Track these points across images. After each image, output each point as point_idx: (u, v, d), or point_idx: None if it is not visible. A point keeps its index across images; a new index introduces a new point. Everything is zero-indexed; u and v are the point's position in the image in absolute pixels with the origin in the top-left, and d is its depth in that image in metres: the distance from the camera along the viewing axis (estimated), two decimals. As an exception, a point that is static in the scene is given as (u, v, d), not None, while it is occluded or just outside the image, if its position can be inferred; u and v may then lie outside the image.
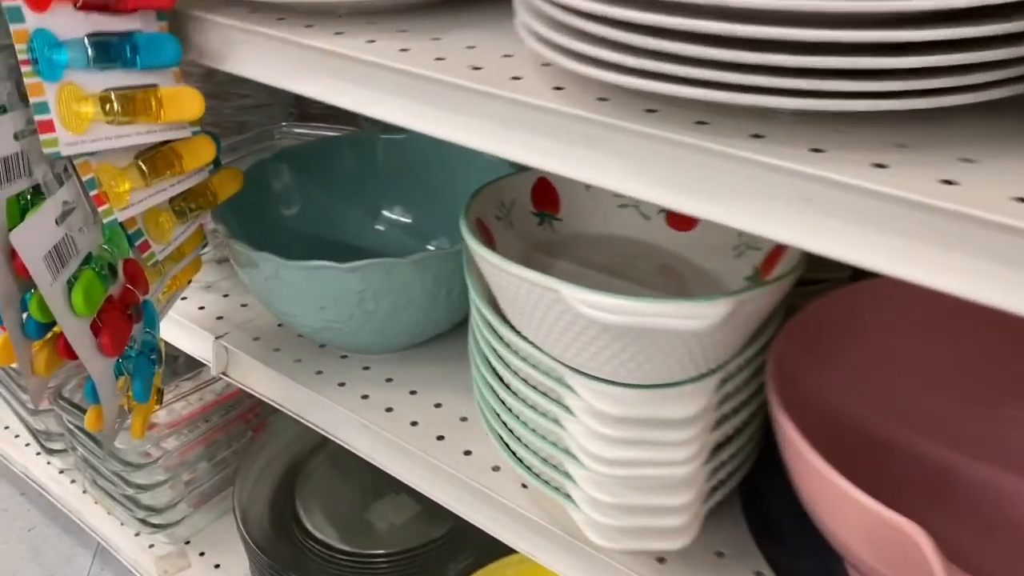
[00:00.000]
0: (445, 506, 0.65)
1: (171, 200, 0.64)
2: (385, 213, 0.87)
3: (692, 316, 0.42)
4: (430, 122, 0.47)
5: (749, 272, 0.56)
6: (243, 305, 0.82)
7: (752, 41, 0.35)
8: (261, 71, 0.55)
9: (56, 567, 1.21)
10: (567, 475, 0.53)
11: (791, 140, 0.38)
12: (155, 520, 1.00)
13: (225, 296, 0.84)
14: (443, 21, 0.53)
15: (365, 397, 0.70)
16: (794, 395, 0.50)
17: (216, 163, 0.67)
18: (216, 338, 0.78)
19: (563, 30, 0.40)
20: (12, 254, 0.54)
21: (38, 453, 1.20)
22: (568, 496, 0.53)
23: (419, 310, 0.68)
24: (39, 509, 1.29)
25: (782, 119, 0.40)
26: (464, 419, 0.68)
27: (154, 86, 0.56)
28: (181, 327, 0.81)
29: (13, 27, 0.50)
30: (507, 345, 0.53)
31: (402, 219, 0.86)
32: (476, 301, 0.55)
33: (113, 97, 0.54)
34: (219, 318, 0.81)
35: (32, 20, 0.50)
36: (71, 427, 1.01)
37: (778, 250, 0.54)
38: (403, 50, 0.49)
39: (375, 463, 0.69)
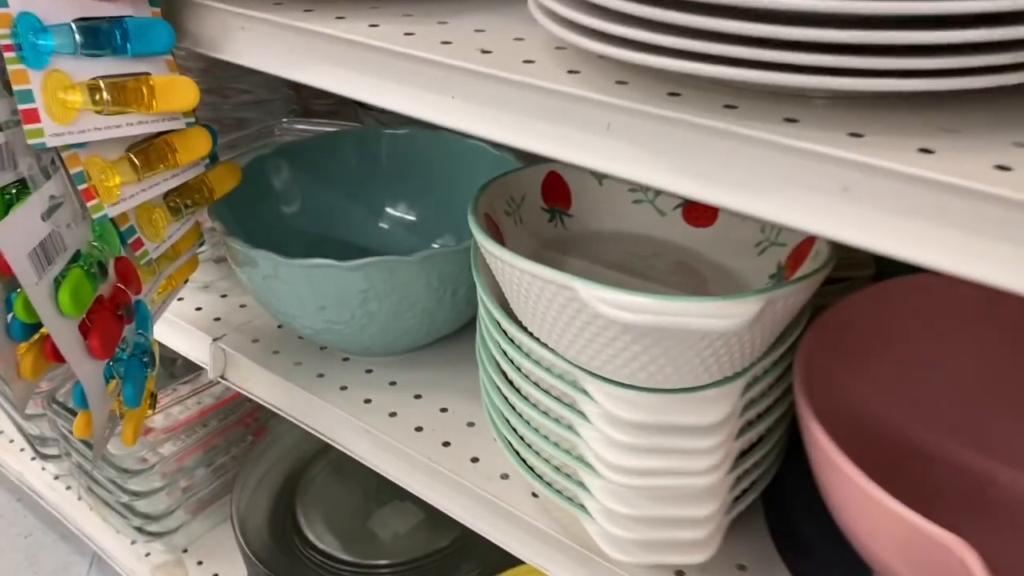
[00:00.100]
0: (451, 515, 0.62)
1: (165, 196, 0.62)
2: (389, 211, 0.84)
3: (720, 315, 0.39)
4: (437, 110, 0.45)
5: (773, 270, 0.53)
6: (242, 306, 0.80)
7: (785, 15, 0.32)
8: (259, 59, 0.53)
9: (52, 575, 1.18)
10: (581, 484, 0.50)
11: (827, 124, 0.35)
12: (151, 528, 0.97)
13: (223, 296, 0.82)
14: (450, 4, 0.51)
15: (368, 401, 0.68)
16: (821, 399, 0.48)
17: (213, 158, 0.65)
18: (214, 340, 0.75)
19: (580, 7, 0.37)
20: (-4, 251, 0.51)
21: (33, 458, 1.18)
22: (582, 507, 0.50)
23: (424, 311, 0.65)
24: (36, 515, 1.27)
25: (816, 103, 0.37)
26: (471, 424, 0.65)
27: (146, 74, 0.53)
28: (177, 328, 0.78)
29: (-4, 11, 0.47)
30: (518, 347, 0.50)
31: (406, 217, 0.84)
32: (485, 300, 0.53)
33: (102, 86, 0.51)
34: (217, 319, 0.78)
35: (16, 3, 0.48)
36: (65, 432, 0.98)
37: (805, 245, 0.51)
38: (408, 34, 0.46)
39: (378, 470, 0.66)
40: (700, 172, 0.37)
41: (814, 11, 0.32)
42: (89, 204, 0.54)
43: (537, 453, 0.53)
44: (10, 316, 0.54)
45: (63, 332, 0.53)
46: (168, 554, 1.03)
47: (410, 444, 0.63)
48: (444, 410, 0.67)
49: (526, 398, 0.51)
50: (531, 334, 0.49)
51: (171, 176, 0.59)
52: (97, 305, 0.56)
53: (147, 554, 1.02)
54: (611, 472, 0.47)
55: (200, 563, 1.02)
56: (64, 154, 0.52)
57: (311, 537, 0.88)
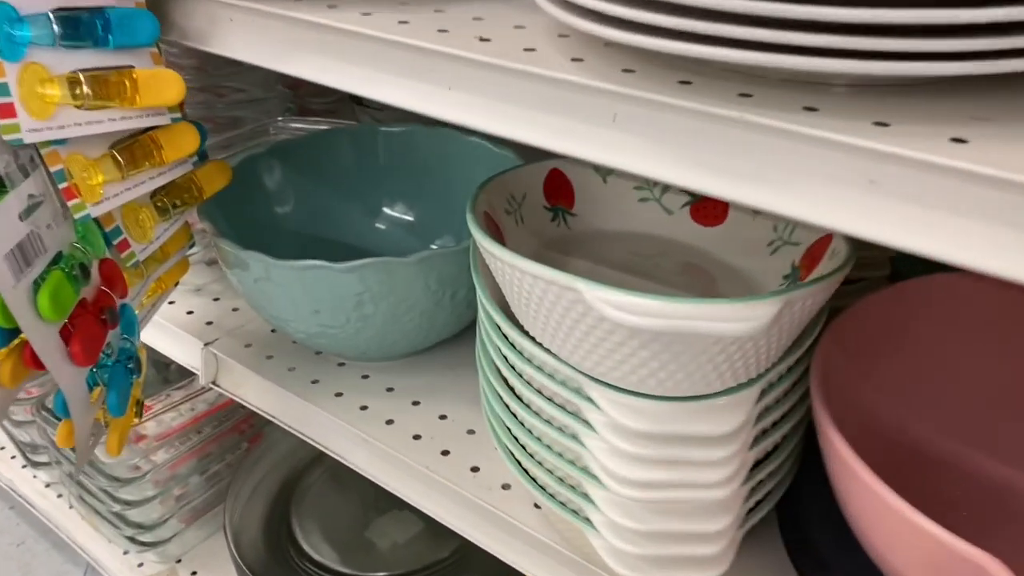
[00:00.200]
0: (450, 527, 0.60)
1: (153, 195, 0.60)
2: (385, 211, 0.82)
3: (736, 318, 0.36)
4: (433, 102, 0.43)
5: (787, 270, 0.51)
6: (234, 309, 0.78)
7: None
8: (248, 51, 0.51)
9: (45, 584, 1.16)
10: (586, 497, 0.47)
11: (850, 113, 0.33)
12: (144, 538, 0.95)
13: (216, 300, 0.79)
14: (447, -9, 0.49)
15: (364, 408, 0.65)
16: (837, 403, 0.45)
17: (202, 156, 0.62)
18: (205, 345, 0.73)
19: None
20: (-29, 253, 0.49)
21: (24, 466, 1.16)
22: (587, 520, 0.48)
23: (422, 314, 0.63)
24: (29, 524, 1.25)
25: (836, 90, 0.35)
26: (471, 432, 0.63)
27: (129, 67, 0.51)
28: (168, 333, 0.76)
29: (-32, -1, 0.45)
30: (519, 352, 0.48)
31: (404, 217, 0.81)
32: (484, 303, 0.50)
33: (82, 79, 0.49)
34: (209, 323, 0.76)
35: (-10, -8, 0.45)
36: (54, 439, 0.96)
37: (821, 244, 0.48)
38: (403, 22, 0.45)
39: (374, 480, 0.64)
40: (713, 165, 0.34)
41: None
42: (70, 203, 0.51)
43: (540, 463, 0.50)
44: (-12, 321, 0.51)
45: (43, 337, 0.50)
46: (161, 564, 1.00)
47: (408, 453, 0.61)
48: (443, 417, 0.65)
49: (528, 406, 0.49)
50: (533, 338, 0.47)
51: (157, 174, 0.57)
52: (80, 309, 0.53)
53: (140, 564, 1.00)
54: (617, 484, 0.44)
55: (194, 573, 1.00)
56: (43, 151, 0.50)
57: (306, 548, 0.85)
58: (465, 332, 0.69)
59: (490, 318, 0.50)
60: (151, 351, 0.78)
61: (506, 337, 0.49)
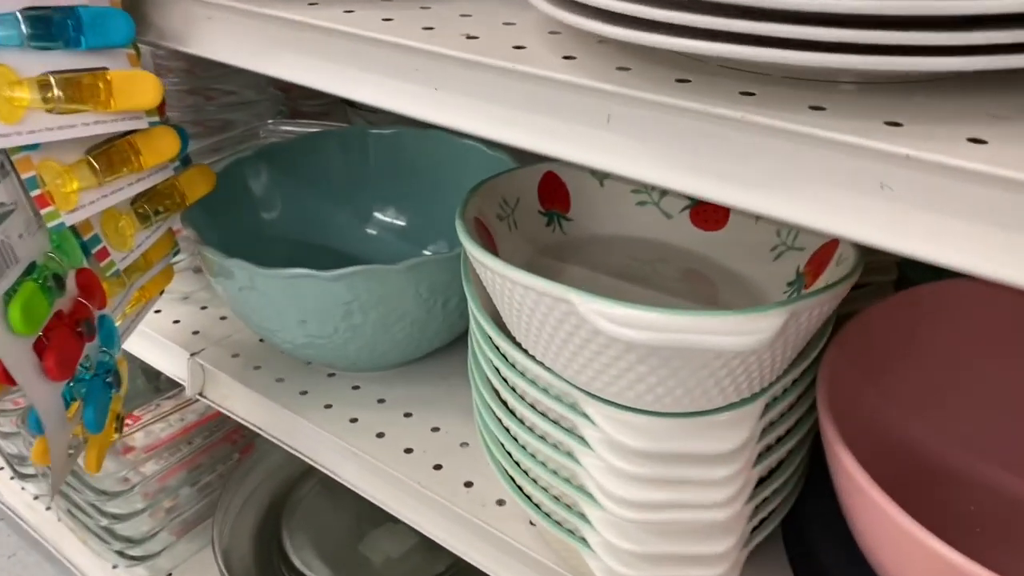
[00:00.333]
0: (443, 544, 0.58)
1: (133, 201, 0.58)
2: (377, 215, 0.80)
3: (739, 332, 0.34)
4: (419, 103, 0.41)
5: (792, 276, 0.49)
6: (222, 318, 0.76)
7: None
8: (227, 51, 0.49)
9: (37, 597, 1.14)
10: (582, 516, 0.45)
11: (859, 112, 0.31)
12: (133, 552, 0.92)
13: (203, 308, 0.77)
14: (434, -12, 0.47)
15: (354, 421, 0.63)
16: (845, 416, 0.43)
17: (185, 160, 0.60)
18: (191, 355, 0.71)
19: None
20: (-62, 264, 0.47)
21: (12, 477, 1.13)
22: (583, 540, 0.46)
23: (413, 323, 0.61)
24: (20, 535, 1.23)
25: (843, 88, 0.33)
26: (465, 445, 0.61)
27: (103, 69, 0.49)
28: (154, 343, 0.74)
29: (-69, -2, 0.43)
30: (512, 365, 0.46)
31: (395, 222, 0.79)
32: (476, 314, 0.48)
33: (53, 81, 0.46)
34: (195, 332, 0.74)
35: (-46, -10, 0.43)
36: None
37: (826, 250, 0.46)
38: (387, 20, 0.43)
39: (364, 495, 0.62)
40: (713, 169, 0.32)
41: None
42: (43, 212, 0.49)
43: (534, 481, 0.48)
44: (-43, 334, 0.49)
45: (14, 352, 0.48)
46: (152, 577, 0.98)
47: (399, 467, 0.59)
48: (436, 429, 0.62)
49: (521, 421, 0.47)
50: (526, 351, 0.44)
51: (137, 180, 0.55)
52: (55, 321, 0.51)
53: (130, 578, 0.98)
54: (614, 504, 0.42)
55: (185, 586, 0.97)
56: (14, 157, 0.48)
57: (297, 564, 0.82)
58: (459, 341, 0.67)
59: (482, 330, 0.48)
60: (140, 360, 0.76)
61: (498, 349, 0.47)
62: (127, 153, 0.53)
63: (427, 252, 0.77)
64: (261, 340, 0.71)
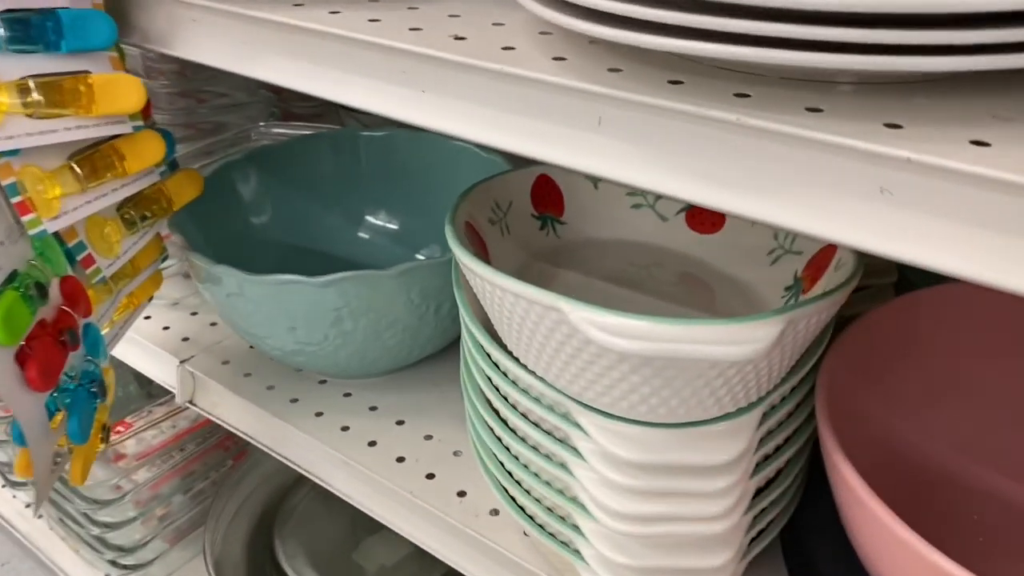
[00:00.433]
0: (435, 555, 0.57)
1: (119, 207, 0.56)
2: (369, 219, 0.79)
3: (734, 341, 0.33)
4: (406, 106, 0.40)
5: (789, 281, 0.48)
6: (212, 324, 0.74)
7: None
8: (212, 53, 0.48)
9: (29, 605, 1.13)
10: (576, 529, 0.44)
11: (857, 114, 0.30)
12: (125, 560, 0.91)
13: (193, 314, 0.76)
14: (421, -12, 0.46)
15: (345, 429, 0.62)
16: (844, 424, 0.42)
17: (172, 165, 0.59)
18: (181, 362, 0.70)
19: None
20: (-84, 273, 0.45)
21: (3, 485, 1.12)
22: (577, 552, 0.45)
23: (405, 329, 0.59)
24: (12, 543, 1.21)
25: (841, 88, 0.32)
26: (458, 453, 0.60)
27: (85, 73, 0.48)
28: (143, 349, 0.73)
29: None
30: (503, 374, 0.45)
31: (388, 225, 0.78)
32: (467, 321, 0.47)
33: (32, 85, 0.45)
34: (185, 339, 0.73)
35: (-70, -8, 0.42)
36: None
37: (825, 254, 0.45)
38: (373, 20, 0.42)
39: (356, 504, 0.60)
40: (707, 172, 0.31)
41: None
42: (25, 219, 0.48)
43: (528, 492, 0.47)
44: (-63, 344, 0.48)
45: (-5, 362, 0.47)
46: (144, 586, 0.97)
47: (391, 476, 0.58)
48: (428, 438, 0.61)
49: (514, 431, 0.46)
50: (518, 360, 0.43)
51: (122, 185, 0.54)
52: (37, 330, 0.50)
53: (122, 586, 0.96)
54: (608, 517, 0.41)
55: (179, 594, 0.96)
56: (-6, 163, 0.47)
57: (290, 572, 0.81)
58: (453, 346, 0.66)
59: (473, 338, 0.47)
60: (131, 369, 0.75)
61: (490, 358, 0.46)
62: (111, 158, 0.52)
63: (420, 256, 0.75)
64: (251, 347, 0.70)
